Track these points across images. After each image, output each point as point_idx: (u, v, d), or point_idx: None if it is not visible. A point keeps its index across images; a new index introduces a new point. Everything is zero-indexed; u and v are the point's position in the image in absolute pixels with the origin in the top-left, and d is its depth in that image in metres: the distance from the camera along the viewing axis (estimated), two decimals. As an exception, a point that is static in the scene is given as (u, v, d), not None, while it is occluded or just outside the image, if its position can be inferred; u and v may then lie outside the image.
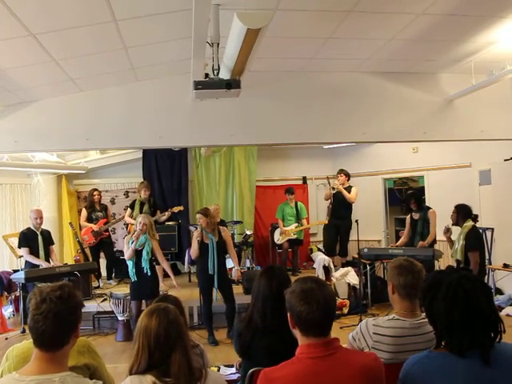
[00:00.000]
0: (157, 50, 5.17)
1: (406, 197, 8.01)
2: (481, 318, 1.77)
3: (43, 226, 7.25)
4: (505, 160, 7.48)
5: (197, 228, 6.44)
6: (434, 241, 7.18)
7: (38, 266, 6.86)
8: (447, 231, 6.28)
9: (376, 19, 4.67)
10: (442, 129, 6.54)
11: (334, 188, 8.77)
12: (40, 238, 7.05)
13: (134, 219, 6.97)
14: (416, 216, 7.21)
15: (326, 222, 9.05)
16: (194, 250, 6.22)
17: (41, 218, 7.10)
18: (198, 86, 3.88)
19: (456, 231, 6.27)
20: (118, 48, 4.84)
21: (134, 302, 6.11)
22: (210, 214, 6.40)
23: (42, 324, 1.81)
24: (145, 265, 6.04)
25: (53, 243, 7.43)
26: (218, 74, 3.99)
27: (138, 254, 6.04)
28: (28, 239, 6.99)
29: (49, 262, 7.10)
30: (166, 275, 8.33)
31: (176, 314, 1.97)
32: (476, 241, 6.03)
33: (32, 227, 7.07)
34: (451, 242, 6.31)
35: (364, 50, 5.61)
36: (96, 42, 4.65)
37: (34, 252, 6.98)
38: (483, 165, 8.01)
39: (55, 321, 1.82)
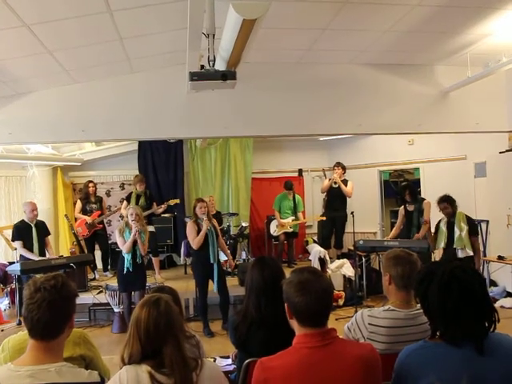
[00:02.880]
0: (152, 41, 5.14)
1: (400, 188, 7.98)
2: (475, 307, 1.78)
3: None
4: (500, 152, 7.49)
5: (191, 218, 6.41)
6: (430, 232, 7.20)
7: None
8: (427, 223, 6.55)
9: (372, 10, 4.66)
10: (438, 121, 6.55)
11: (335, 182, 8.76)
12: (34, 230, 7.02)
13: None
14: (411, 208, 7.22)
15: (324, 218, 9.03)
16: (200, 240, 6.11)
17: (37, 209, 7.08)
18: (194, 77, 3.86)
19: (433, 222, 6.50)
20: (112, 39, 4.81)
21: (124, 294, 6.11)
22: (208, 204, 6.44)
23: (37, 313, 1.81)
24: (139, 256, 6.08)
25: (48, 234, 7.40)
26: (213, 65, 3.96)
27: (133, 246, 6.05)
28: (21, 232, 6.96)
29: (44, 255, 7.09)
30: (161, 267, 8.39)
31: (167, 306, 1.95)
32: (476, 226, 6.23)
33: (26, 220, 7.04)
34: (431, 235, 6.52)
35: (360, 41, 5.60)
36: (91, 32, 4.62)
37: (27, 245, 6.96)
38: (478, 157, 8.03)
39: (49, 310, 1.82)
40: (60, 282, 1.89)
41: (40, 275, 1.94)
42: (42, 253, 7.09)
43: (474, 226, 6.21)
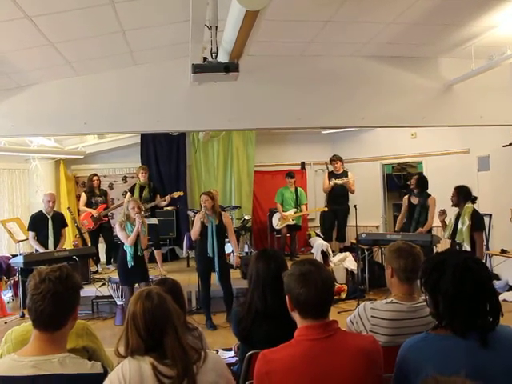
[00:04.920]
0: (154, 33, 5.12)
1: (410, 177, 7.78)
2: (485, 300, 1.79)
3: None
4: (503, 146, 7.46)
5: (197, 212, 6.44)
6: (431, 228, 7.18)
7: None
8: (443, 213, 6.39)
9: (375, 2, 4.63)
10: (441, 114, 6.51)
11: (336, 184, 8.72)
12: (50, 221, 7.11)
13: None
14: (415, 201, 7.14)
15: (326, 209, 9.03)
16: (195, 231, 6.19)
17: (53, 201, 7.20)
18: (197, 69, 3.85)
19: (450, 213, 6.37)
20: (115, 31, 4.79)
21: (126, 287, 6.07)
22: (215, 197, 6.41)
23: (41, 304, 1.82)
24: (140, 249, 6.06)
25: (65, 226, 7.50)
26: (216, 57, 3.96)
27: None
28: (36, 223, 7.05)
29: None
30: (164, 260, 8.40)
31: (160, 297, 1.94)
32: (481, 221, 6.12)
33: (43, 210, 7.14)
34: (445, 225, 6.41)
35: (363, 33, 5.56)
36: (93, 24, 4.61)
37: (42, 236, 7.05)
38: (482, 151, 8.01)
39: (54, 301, 1.83)
40: (65, 274, 1.90)
41: (45, 267, 1.94)
42: (58, 245, 7.17)
43: (478, 221, 6.08)
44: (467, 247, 6.00)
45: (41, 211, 7.18)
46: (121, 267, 6.15)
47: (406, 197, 7.38)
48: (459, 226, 6.09)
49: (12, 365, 1.80)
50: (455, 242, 6.15)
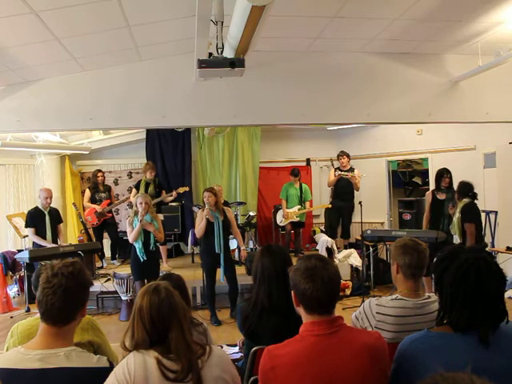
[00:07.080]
0: (160, 28, 5.11)
1: (439, 171, 7.00)
2: (485, 302, 1.75)
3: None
4: (510, 143, 7.43)
5: (200, 207, 6.44)
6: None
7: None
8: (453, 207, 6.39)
9: (382, -2, 4.61)
10: (447, 111, 6.48)
11: (342, 176, 8.67)
12: (47, 217, 7.08)
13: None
14: (442, 196, 6.79)
15: (330, 206, 9.01)
16: (201, 228, 6.18)
17: (51, 197, 7.15)
18: (202, 64, 3.85)
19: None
20: (121, 26, 4.79)
21: (138, 282, 6.08)
22: (218, 193, 6.43)
23: (52, 297, 1.83)
24: (152, 244, 6.06)
25: (61, 221, 7.46)
26: (222, 52, 3.95)
27: (146, 233, 6.01)
28: (34, 219, 7.02)
29: (57, 242, 7.15)
30: (169, 256, 8.41)
31: (167, 291, 1.96)
32: (471, 213, 6.03)
33: (40, 206, 7.10)
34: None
35: (369, 29, 5.54)
36: (99, 19, 4.60)
37: (40, 232, 7.02)
38: (488, 147, 7.97)
39: (65, 295, 1.84)
40: (77, 269, 1.92)
41: (58, 261, 1.95)
42: (55, 240, 7.16)
43: (468, 213, 5.99)
44: (458, 239, 6.02)
45: (37, 207, 7.14)
46: (133, 263, 6.15)
47: (429, 192, 6.97)
48: (453, 218, 6.12)
49: (19, 358, 1.81)
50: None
